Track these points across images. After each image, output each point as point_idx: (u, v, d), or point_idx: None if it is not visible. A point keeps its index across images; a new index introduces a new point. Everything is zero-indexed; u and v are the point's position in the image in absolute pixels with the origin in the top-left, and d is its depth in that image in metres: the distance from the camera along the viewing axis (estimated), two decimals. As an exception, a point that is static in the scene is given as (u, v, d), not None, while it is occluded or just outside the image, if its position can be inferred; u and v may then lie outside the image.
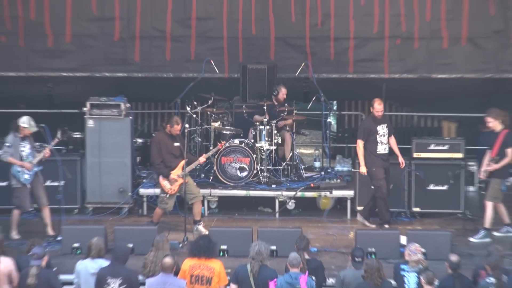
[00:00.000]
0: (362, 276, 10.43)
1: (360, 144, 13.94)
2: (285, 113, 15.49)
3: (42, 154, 13.32)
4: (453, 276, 10.60)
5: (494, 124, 13.50)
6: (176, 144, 13.39)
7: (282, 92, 15.68)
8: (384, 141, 13.93)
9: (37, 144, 13.88)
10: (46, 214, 13.37)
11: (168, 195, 13.44)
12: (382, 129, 13.93)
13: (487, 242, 12.82)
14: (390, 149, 14.06)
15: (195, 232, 13.33)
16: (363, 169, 13.92)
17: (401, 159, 14.07)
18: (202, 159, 13.80)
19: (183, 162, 13.29)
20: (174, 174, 13.37)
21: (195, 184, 13.78)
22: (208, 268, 10.50)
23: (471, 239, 13.37)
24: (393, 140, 14.07)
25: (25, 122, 13.26)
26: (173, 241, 12.56)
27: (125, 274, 10.46)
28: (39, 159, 13.32)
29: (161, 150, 13.42)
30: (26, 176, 13.21)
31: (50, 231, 13.36)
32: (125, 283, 10.38)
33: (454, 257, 10.79)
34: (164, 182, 13.41)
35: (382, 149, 13.92)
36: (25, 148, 13.29)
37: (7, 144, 13.21)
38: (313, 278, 10.62)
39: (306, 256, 10.89)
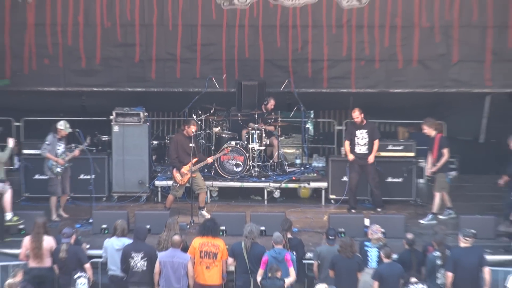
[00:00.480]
0: (337, 250, 10.43)
1: (345, 143, 14.01)
2: (272, 120, 15.47)
3: (72, 154, 13.42)
4: (410, 251, 10.63)
5: (429, 130, 13.52)
6: (191, 144, 13.33)
7: (271, 103, 15.66)
8: (361, 143, 13.86)
9: (73, 145, 13.90)
10: (63, 200, 13.55)
11: (178, 185, 13.40)
12: (361, 133, 13.87)
13: (433, 224, 12.80)
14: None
15: (200, 216, 13.31)
16: (350, 156, 13.85)
17: (370, 157, 13.94)
18: (210, 159, 13.79)
19: (194, 160, 13.26)
20: (185, 169, 13.32)
21: (202, 178, 13.73)
22: (214, 245, 10.49)
23: (421, 221, 13.36)
24: (375, 143, 13.92)
25: (62, 124, 13.31)
26: (182, 223, 12.52)
27: (146, 249, 10.47)
28: (69, 157, 13.38)
29: (177, 148, 13.37)
30: (58, 169, 13.27)
31: (61, 212, 13.46)
32: (146, 256, 10.41)
33: (410, 235, 10.81)
34: (176, 174, 13.36)
35: (358, 149, 13.88)
36: (60, 147, 13.34)
37: (47, 142, 13.25)
38: (294, 253, 10.61)
39: (289, 235, 10.88)
